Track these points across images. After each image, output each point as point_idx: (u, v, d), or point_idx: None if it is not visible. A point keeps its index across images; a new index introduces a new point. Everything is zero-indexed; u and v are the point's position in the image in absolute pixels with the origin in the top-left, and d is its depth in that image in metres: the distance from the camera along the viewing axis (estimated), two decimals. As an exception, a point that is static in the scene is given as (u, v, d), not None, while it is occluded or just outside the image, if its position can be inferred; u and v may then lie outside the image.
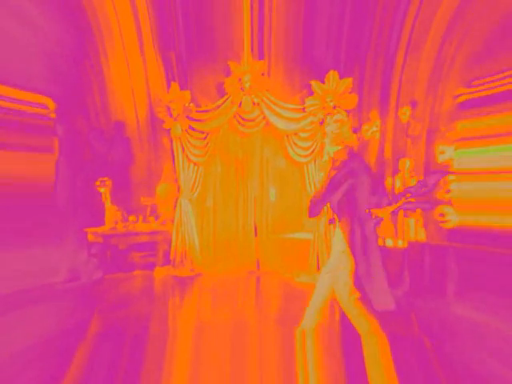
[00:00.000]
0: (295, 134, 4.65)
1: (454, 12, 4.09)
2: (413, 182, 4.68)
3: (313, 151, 4.60)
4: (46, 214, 4.52)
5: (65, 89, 4.81)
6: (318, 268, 4.63)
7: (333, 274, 2.19)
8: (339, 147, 2.27)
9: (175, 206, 4.72)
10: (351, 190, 2.14)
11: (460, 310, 3.25)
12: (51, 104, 4.65)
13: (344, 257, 2.14)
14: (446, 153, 4.45)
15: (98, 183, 4.68)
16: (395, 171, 4.77)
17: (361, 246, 2.12)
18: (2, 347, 2.50)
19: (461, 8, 4.00)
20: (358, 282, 2.10)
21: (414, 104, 4.76)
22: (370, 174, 2.26)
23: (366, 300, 2.07)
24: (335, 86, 4.58)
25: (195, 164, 4.80)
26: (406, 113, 4.77)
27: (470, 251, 3.75)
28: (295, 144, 4.66)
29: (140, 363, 2.36)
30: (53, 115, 4.69)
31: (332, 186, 2.17)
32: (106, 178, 4.66)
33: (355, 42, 4.75)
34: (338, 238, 2.17)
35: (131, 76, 4.87)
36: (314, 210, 2.29)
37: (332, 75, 4.60)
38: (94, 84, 4.93)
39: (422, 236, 4.56)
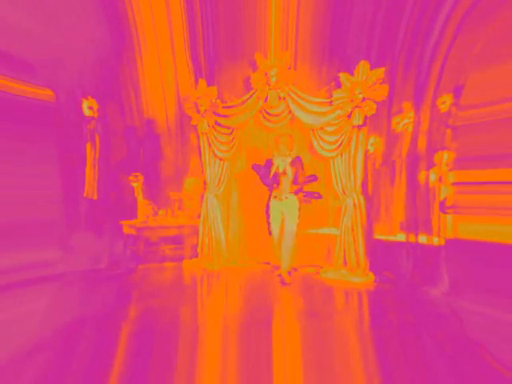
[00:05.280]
0: (321, 128, 4.56)
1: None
2: (451, 176, 4.43)
3: (339, 145, 4.48)
4: (87, 206, 4.87)
5: (105, 90, 5.09)
6: (345, 264, 4.54)
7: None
8: None
9: (201, 201, 4.86)
10: None
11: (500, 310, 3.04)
12: (95, 105, 4.95)
13: None
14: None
15: (131, 178, 4.93)
16: (430, 165, 4.52)
17: None
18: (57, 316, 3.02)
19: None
20: None
21: (458, 90, 4.46)
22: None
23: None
24: (365, 77, 4.41)
25: (221, 159, 4.89)
26: (446, 101, 4.48)
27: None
28: (321, 138, 4.56)
29: (172, 347, 2.55)
30: (96, 115, 4.99)
31: None
32: (138, 173, 4.89)
33: (391, 28, 4.53)
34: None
35: (162, 75, 5.05)
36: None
37: (362, 66, 4.42)
38: (129, 84, 5.18)
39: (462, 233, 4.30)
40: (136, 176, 4.87)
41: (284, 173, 4.16)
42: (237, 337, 2.73)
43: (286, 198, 4.20)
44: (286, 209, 4.21)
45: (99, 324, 2.97)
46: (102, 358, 2.36)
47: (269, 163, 4.29)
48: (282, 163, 4.18)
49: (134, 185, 4.87)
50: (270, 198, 4.34)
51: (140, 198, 4.89)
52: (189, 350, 2.49)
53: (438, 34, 4.42)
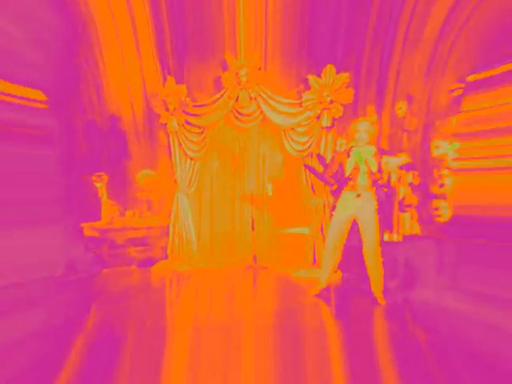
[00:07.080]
0: (292, 128, 4.65)
1: (449, 8, 4.10)
2: (408, 177, 4.72)
3: (309, 146, 4.61)
4: (41, 208, 4.50)
5: (59, 82, 4.74)
6: (315, 262, 4.67)
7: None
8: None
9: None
10: None
11: (451, 301, 3.31)
12: (41, 96, 4.57)
13: None
14: (440, 147, 4.50)
15: (94, 178, 4.66)
16: (391, 166, 4.79)
17: None
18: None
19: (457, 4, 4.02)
20: None
21: (410, 98, 4.77)
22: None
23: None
24: (332, 80, 4.58)
25: (192, 159, 4.80)
26: (401, 107, 4.78)
27: (463, 244, 3.83)
28: (292, 139, 4.66)
29: (136, 356, 2.37)
30: (44, 107, 4.61)
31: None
32: (102, 173, 4.64)
33: (352, 36, 4.73)
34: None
35: (126, 69, 4.81)
36: None
37: (329, 70, 4.58)
38: (88, 77, 4.87)
39: (416, 230, 4.61)
40: (99, 176, 4.60)
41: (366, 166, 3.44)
42: (206, 339, 2.66)
43: (360, 195, 3.43)
44: (360, 208, 3.43)
45: (52, 337, 2.67)
46: (49, 373, 2.15)
47: (333, 159, 3.60)
48: (362, 155, 3.43)
49: (98, 185, 4.60)
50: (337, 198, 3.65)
51: (104, 198, 4.63)
52: (155, 361, 2.34)
53: (391, 42, 4.72)
